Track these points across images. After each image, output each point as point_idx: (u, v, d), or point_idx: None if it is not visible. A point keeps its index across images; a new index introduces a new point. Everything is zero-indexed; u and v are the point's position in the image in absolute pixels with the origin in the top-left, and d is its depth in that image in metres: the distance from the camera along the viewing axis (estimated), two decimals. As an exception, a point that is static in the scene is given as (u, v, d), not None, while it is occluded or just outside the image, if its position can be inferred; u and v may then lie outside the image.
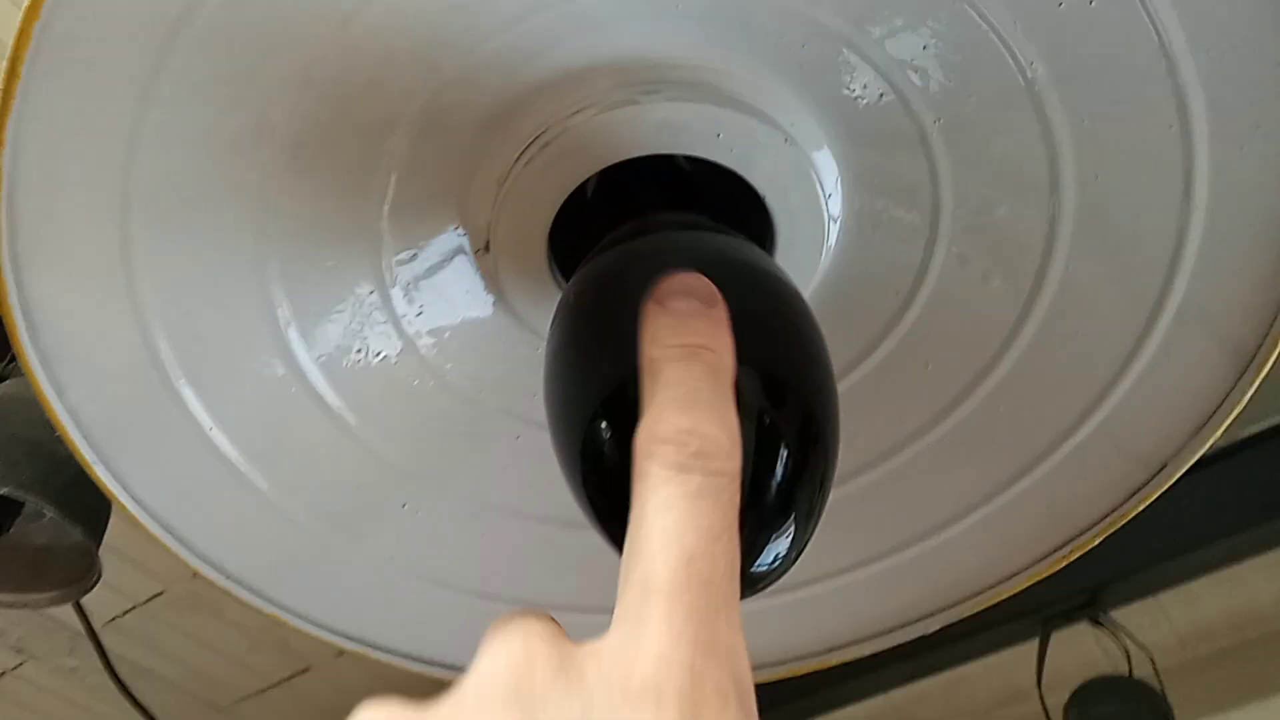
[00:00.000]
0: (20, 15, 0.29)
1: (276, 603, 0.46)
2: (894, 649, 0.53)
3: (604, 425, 0.35)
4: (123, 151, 0.34)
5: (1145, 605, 1.68)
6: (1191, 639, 1.88)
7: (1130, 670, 1.57)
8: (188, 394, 0.41)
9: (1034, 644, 1.51)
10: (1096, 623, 1.50)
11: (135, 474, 0.41)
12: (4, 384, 0.83)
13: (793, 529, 0.34)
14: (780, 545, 0.34)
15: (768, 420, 0.35)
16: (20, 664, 2.07)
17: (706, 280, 0.32)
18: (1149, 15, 0.33)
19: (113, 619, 1.93)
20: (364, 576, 0.49)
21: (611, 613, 0.53)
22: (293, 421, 0.44)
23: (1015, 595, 0.52)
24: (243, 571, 0.45)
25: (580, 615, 0.53)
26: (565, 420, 0.37)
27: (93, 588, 0.80)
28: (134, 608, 1.90)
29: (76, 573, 0.80)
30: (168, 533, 0.43)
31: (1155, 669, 1.57)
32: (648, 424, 0.27)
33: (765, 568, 0.34)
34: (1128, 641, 1.54)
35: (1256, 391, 0.42)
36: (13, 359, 0.87)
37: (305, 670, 2.13)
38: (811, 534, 0.35)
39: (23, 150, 0.33)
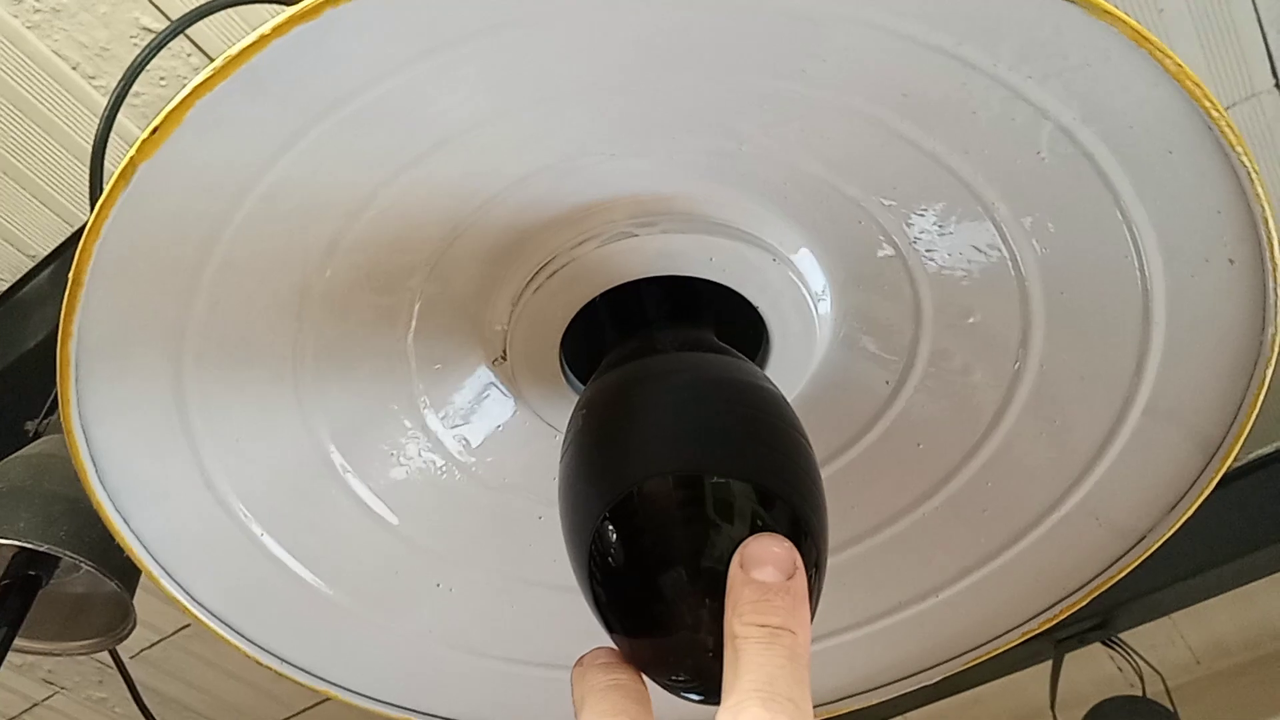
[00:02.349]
0: (81, 242, 0.33)
1: (330, 681, 0.51)
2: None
3: (610, 530, 0.38)
4: (175, 322, 0.39)
5: (1159, 625, 1.69)
6: (1206, 656, 1.89)
7: (1144, 690, 1.59)
8: (239, 509, 0.46)
9: (1049, 665, 1.53)
10: (1109, 644, 1.51)
11: (199, 582, 0.46)
12: (40, 442, 0.86)
13: None
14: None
15: (761, 525, 0.38)
16: (50, 695, 2.13)
17: (789, 547, 0.34)
18: (1098, 173, 0.36)
19: (141, 651, 1.98)
20: (404, 650, 0.53)
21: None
22: (335, 520, 0.49)
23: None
24: (298, 656, 0.50)
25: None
26: (576, 524, 0.40)
27: (127, 636, 0.83)
28: (161, 640, 1.94)
29: (112, 621, 0.83)
30: (230, 630, 0.48)
31: (1167, 688, 1.59)
32: (730, 712, 0.29)
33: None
34: (1140, 662, 1.56)
35: (1262, 413, 0.45)
36: (46, 416, 0.91)
37: (327, 699, 2.18)
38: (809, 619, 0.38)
39: (86, 339, 0.37)
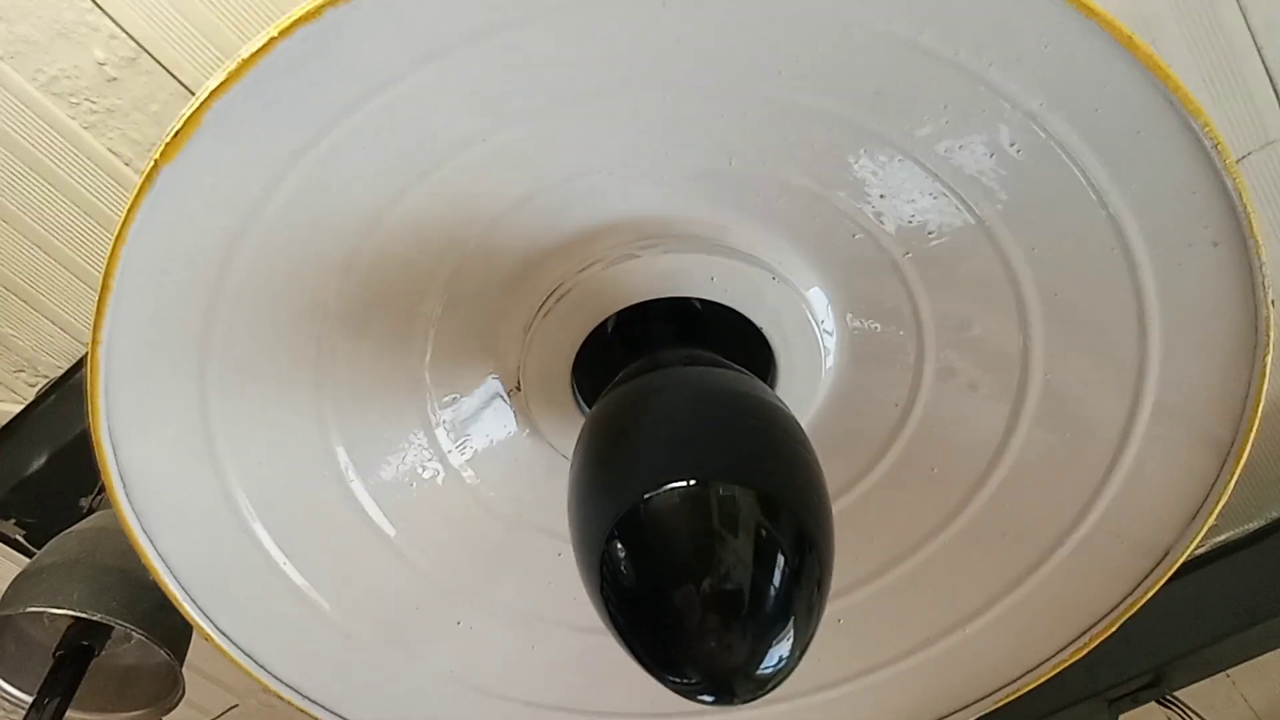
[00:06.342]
0: (110, 244, 0.36)
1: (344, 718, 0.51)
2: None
3: (619, 544, 0.39)
4: (198, 339, 0.41)
5: (1217, 683, 1.61)
6: (1270, 717, 1.80)
7: (1204, 750, 1.51)
8: (261, 534, 0.47)
9: (1104, 727, 1.47)
10: (1165, 703, 1.45)
11: (220, 608, 0.47)
12: (94, 516, 0.89)
13: (793, 632, 0.37)
14: (783, 648, 0.37)
15: (764, 534, 0.38)
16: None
17: None
18: (1072, 161, 0.38)
19: (191, 734, 1.98)
20: (424, 691, 0.53)
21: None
22: (355, 552, 0.50)
23: (1080, 678, 0.53)
24: (317, 692, 0.50)
25: (627, 720, 0.57)
26: (585, 538, 0.41)
27: (176, 705, 0.85)
28: (210, 721, 1.95)
29: (161, 691, 0.85)
30: (249, 658, 0.48)
31: (1227, 748, 1.51)
32: None
33: (771, 669, 0.37)
34: (1196, 720, 1.48)
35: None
36: (100, 492, 0.94)
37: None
38: (812, 635, 0.38)
39: (115, 343, 0.39)
